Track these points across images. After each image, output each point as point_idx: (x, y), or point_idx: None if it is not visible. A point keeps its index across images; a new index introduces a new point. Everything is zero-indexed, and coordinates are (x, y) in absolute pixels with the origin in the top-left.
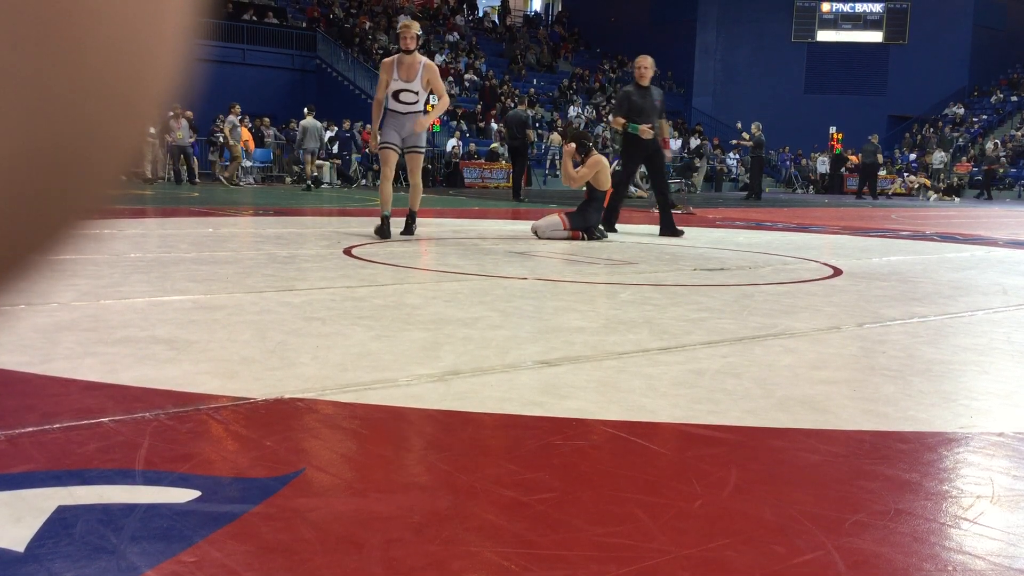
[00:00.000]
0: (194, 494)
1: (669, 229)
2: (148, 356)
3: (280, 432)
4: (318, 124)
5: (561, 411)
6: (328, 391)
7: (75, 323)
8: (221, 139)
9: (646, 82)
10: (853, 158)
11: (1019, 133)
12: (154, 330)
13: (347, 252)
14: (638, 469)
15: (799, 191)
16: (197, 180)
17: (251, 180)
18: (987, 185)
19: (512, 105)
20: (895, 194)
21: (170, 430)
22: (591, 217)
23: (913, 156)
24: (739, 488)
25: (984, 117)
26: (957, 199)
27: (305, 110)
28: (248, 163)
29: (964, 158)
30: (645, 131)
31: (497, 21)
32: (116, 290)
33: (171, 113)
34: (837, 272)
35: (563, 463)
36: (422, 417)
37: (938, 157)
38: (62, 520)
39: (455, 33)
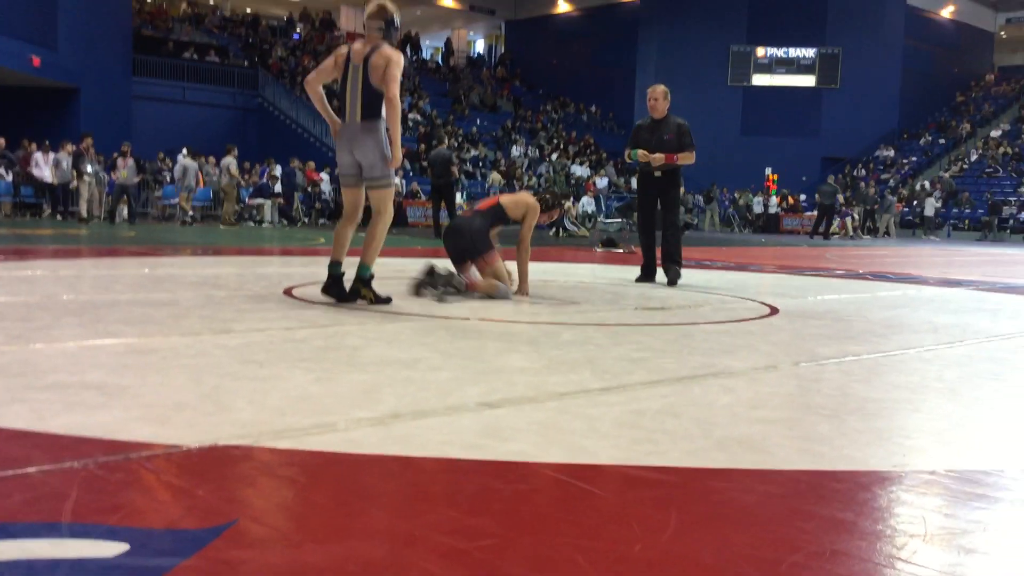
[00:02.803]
0: (123, 547)
1: (649, 275)
2: (78, 402)
3: (213, 481)
4: (194, 164)
5: (502, 454)
6: (264, 437)
7: (3, 368)
8: (215, 180)
9: (657, 114)
10: (790, 199)
11: (947, 174)
12: (85, 375)
13: (287, 292)
14: (578, 513)
15: (737, 230)
16: (136, 219)
17: (190, 219)
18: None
19: (434, 144)
20: (832, 234)
21: (99, 480)
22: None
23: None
24: (679, 531)
25: (914, 159)
26: (866, 237)
27: (184, 150)
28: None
29: (895, 198)
30: (641, 157)
31: (441, 62)
32: (47, 333)
33: (117, 152)
34: (774, 311)
35: (503, 508)
36: (361, 463)
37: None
38: None
39: None
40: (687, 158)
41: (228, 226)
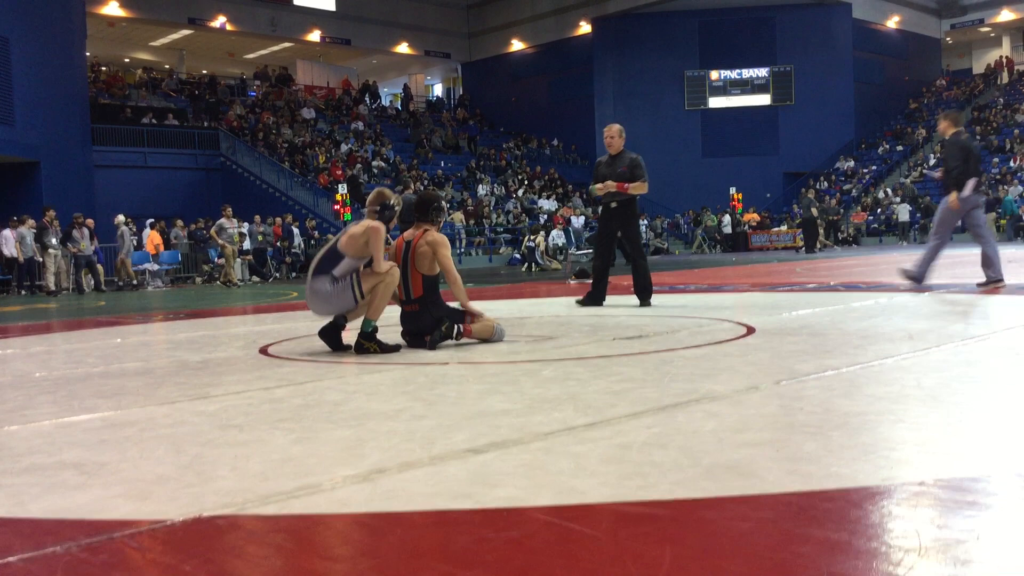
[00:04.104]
0: None
1: (596, 300)
2: (57, 483)
3: (199, 555)
4: (128, 228)
5: (492, 501)
6: (249, 504)
7: None
8: (209, 239)
9: (613, 150)
10: (756, 216)
11: (908, 180)
12: (62, 454)
13: (263, 351)
14: (573, 556)
15: (707, 251)
16: (104, 288)
17: (159, 283)
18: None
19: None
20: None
21: (83, 563)
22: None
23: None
24: (674, 566)
25: (874, 168)
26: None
27: (121, 217)
28: (155, 266)
29: (859, 208)
30: (597, 189)
31: (400, 108)
32: (20, 414)
33: (72, 223)
34: (750, 330)
35: (497, 558)
36: (349, 523)
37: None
38: None
39: (360, 122)
40: (638, 188)
41: (232, 286)
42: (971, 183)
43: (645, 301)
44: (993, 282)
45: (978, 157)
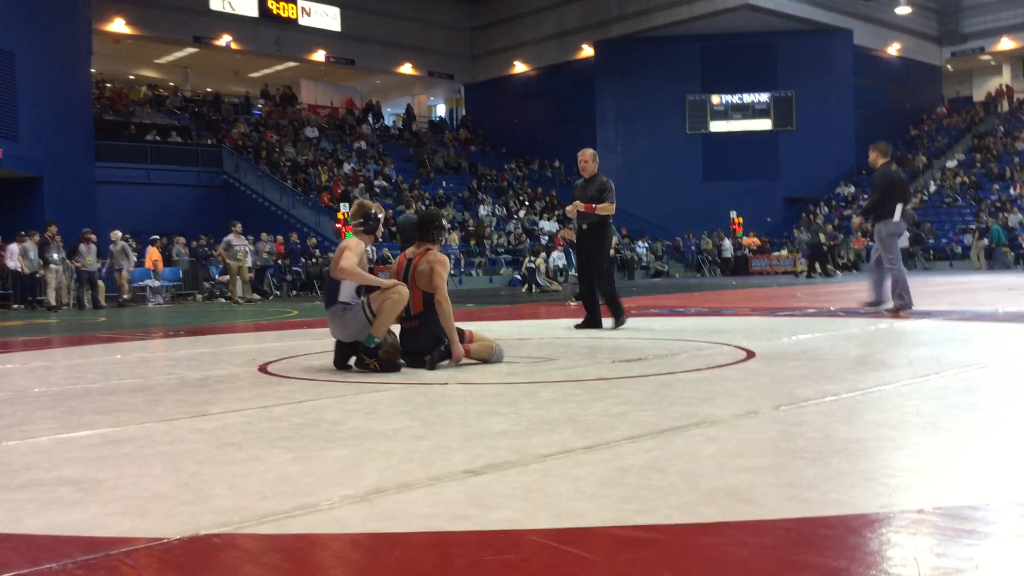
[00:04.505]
0: None
1: (592, 323)
2: (54, 500)
3: (196, 573)
4: (127, 244)
5: (489, 523)
6: (246, 523)
7: None
8: (216, 257)
9: (587, 174)
10: (756, 240)
11: (908, 207)
12: (60, 471)
13: (262, 369)
14: None
15: (708, 274)
16: (103, 305)
17: (159, 300)
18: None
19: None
20: (800, 272)
21: None
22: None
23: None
24: None
25: None
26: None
27: (118, 233)
28: (156, 283)
29: (858, 234)
30: (568, 210)
31: (403, 127)
32: (19, 429)
33: (81, 238)
34: (750, 354)
35: None
36: (346, 543)
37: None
38: None
39: (362, 142)
40: (605, 208)
41: (246, 303)
42: (899, 209)
43: (619, 323)
44: (900, 308)
45: (905, 187)
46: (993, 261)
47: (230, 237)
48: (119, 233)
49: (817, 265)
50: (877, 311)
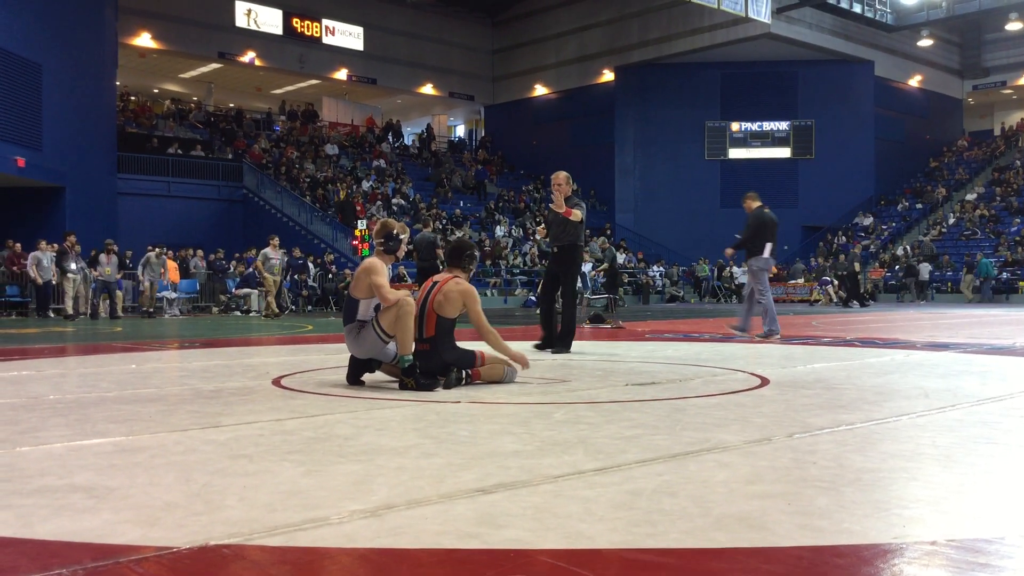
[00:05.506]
0: None
1: (549, 343)
2: (66, 506)
3: None
4: (155, 258)
5: (499, 542)
6: (256, 535)
7: None
8: (254, 272)
9: (561, 195)
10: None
11: (927, 238)
12: (73, 477)
13: (276, 383)
14: None
15: (724, 301)
16: (120, 315)
17: (176, 312)
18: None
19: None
20: (815, 301)
21: None
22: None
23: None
24: None
25: (893, 224)
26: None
27: (150, 247)
28: (173, 294)
29: (876, 264)
30: (540, 231)
31: (422, 147)
32: (33, 436)
33: (105, 248)
34: (764, 382)
35: None
36: (355, 558)
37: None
38: None
39: (382, 160)
40: (572, 214)
41: (273, 318)
42: (768, 247)
43: (559, 348)
44: (769, 335)
45: (774, 227)
46: (983, 294)
47: (267, 250)
48: (157, 250)
49: (858, 291)
50: (742, 336)
